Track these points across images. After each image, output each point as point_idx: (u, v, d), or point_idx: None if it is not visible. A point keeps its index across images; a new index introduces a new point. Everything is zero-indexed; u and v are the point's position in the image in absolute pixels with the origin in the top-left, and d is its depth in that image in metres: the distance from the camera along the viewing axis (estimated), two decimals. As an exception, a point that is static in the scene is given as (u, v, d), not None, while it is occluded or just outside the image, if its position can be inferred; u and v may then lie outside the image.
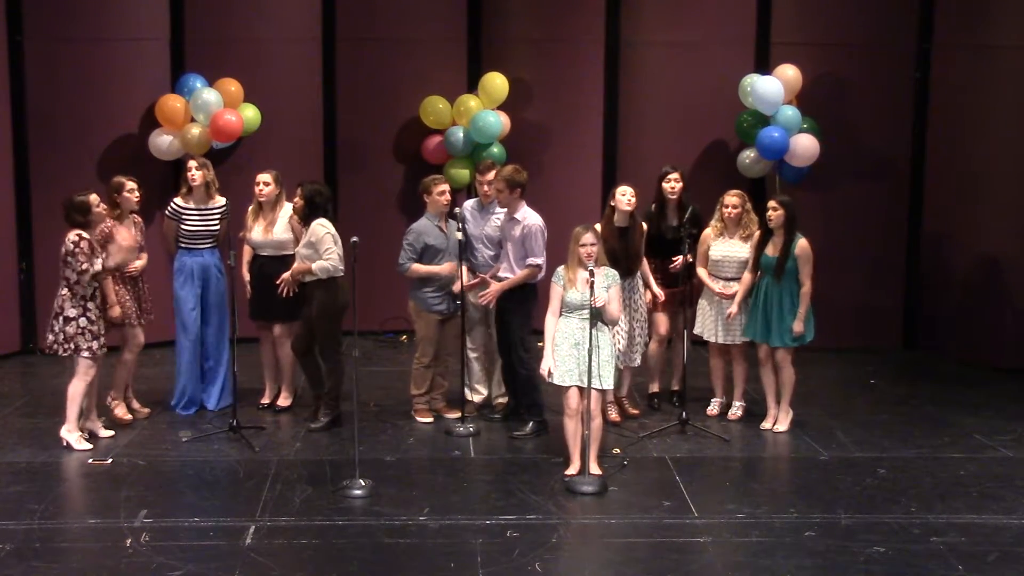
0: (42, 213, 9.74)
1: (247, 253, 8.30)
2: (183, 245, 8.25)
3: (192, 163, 8.25)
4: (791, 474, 7.44)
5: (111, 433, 7.73)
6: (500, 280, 7.87)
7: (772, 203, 7.86)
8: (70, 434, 7.48)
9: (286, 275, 7.94)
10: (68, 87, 9.75)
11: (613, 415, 8.03)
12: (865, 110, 10.23)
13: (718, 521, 6.42)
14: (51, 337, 7.42)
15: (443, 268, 7.93)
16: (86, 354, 7.38)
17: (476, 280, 8.00)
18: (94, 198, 7.46)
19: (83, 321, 7.36)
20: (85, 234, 7.33)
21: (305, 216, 7.82)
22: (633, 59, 10.49)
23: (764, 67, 10.03)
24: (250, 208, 8.28)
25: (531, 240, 7.76)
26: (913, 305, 10.52)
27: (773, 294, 7.83)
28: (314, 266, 7.72)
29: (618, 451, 7.50)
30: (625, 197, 7.85)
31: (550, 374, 7.04)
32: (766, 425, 8.04)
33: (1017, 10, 9.54)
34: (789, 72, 9.78)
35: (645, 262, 8.06)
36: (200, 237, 8.22)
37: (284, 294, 7.93)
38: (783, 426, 7.99)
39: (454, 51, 10.61)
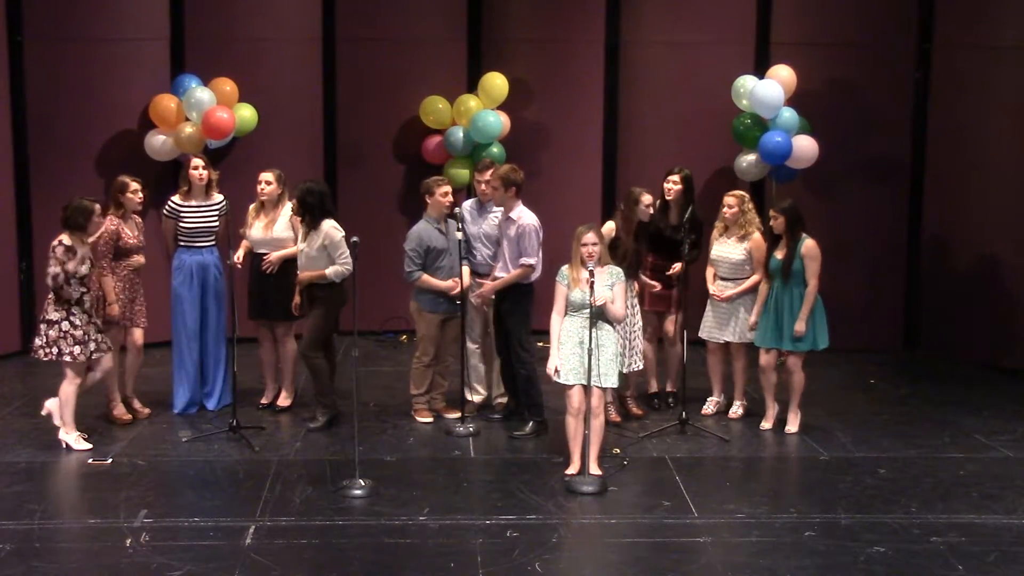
0: (42, 213, 9.73)
1: (244, 247, 8.29)
2: (182, 243, 8.25)
3: (198, 161, 8.27)
4: (791, 474, 7.44)
5: (89, 446, 7.49)
6: (497, 275, 7.89)
7: (772, 212, 7.87)
8: (68, 435, 7.48)
9: (274, 256, 8.01)
10: (68, 87, 9.75)
11: (613, 415, 8.03)
12: (865, 110, 10.22)
13: (718, 521, 6.42)
14: (38, 341, 7.42)
15: (448, 285, 7.93)
16: (67, 359, 7.36)
17: (482, 288, 7.97)
18: (99, 207, 7.48)
19: (65, 325, 7.34)
20: (67, 240, 7.31)
21: (300, 216, 7.84)
22: (633, 59, 10.49)
23: (764, 67, 10.01)
24: (252, 206, 8.30)
25: (525, 239, 7.75)
26: (913, 305, 10.52)
27: (783, 298, 7.82)
28: (329, 272, 7.73)
29: (618, 451, 7.50)
30: (649, 209, 7.95)
31: (556, 373, 7.04)
32: (765, 425, 8.04)
33: (1017, 10, 9.54)
34: (784, 73, 9.76)
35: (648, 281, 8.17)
36: (199, 234, 8.23)
37: (268, 271, 8.08)
38: (793, 427, 7.97)
39: (454, 51, 10.61)
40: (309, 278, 7.84)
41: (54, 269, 7.27)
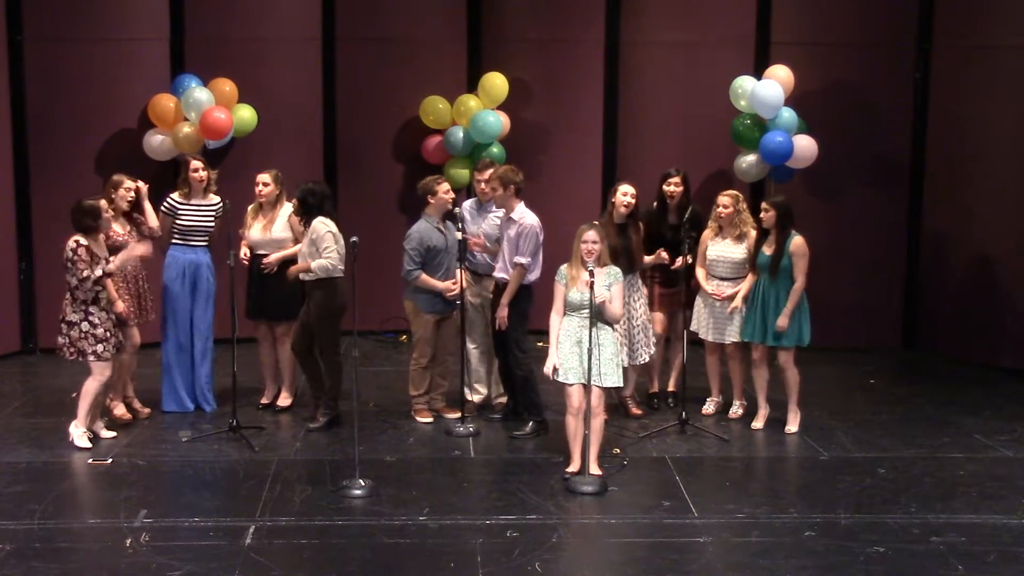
0: (42, 213, 9.75)
1: (244, 244, 8.27)
2: (176, 241, 8.25)
3: (197, 163, 8.28)
4: (791, 474, 7.44)
5: (113, 434, 7.72)
6: (496, 276, 7.89)
7: (764, 204, 7.89)
8: (76, 429, 7.48)
9: (273, 258, 8.04)
10: (68, 87, 9.76)
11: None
12: (865, 110, 10.23)
13: (718, 521, 6.42)
14: (61, 340, 7.44)
15: (446, 286, 7.93)
16: (92, 357, 7.38)
17: (500, 317, 7.81)
18: (104, 203, 7.47)
19: (85, 325, 7.35)
20: (84, 240, 7.30)
21: (301, 216, 7.84)
22: (633, 59, 10.50)
23: (764, 67, 10.01)
24: (250, 207, 8.31)
25: (523, 240, 7.72)
26: (913, 305, 10.52)
27: (769, 293, 7.83)
28: (313, 264, 7.72)
29: (618, 451, 7.50)
30: (625, 198, 7.88)
31: (555, 372, 7.04)
32: (756, 425, 8.03)
33: (1017, 10, 9.54)
34: (781, 73, 9.75)
35: (646, 258, 8.08)
36: (194, 233, 8.24)
37: (267, 272, 8.08)
38: (793, 427, 7.97)
39: (454, 51, 10.61)
40: (297, 269, 7.85)
41: (88, 272, 7.24)
